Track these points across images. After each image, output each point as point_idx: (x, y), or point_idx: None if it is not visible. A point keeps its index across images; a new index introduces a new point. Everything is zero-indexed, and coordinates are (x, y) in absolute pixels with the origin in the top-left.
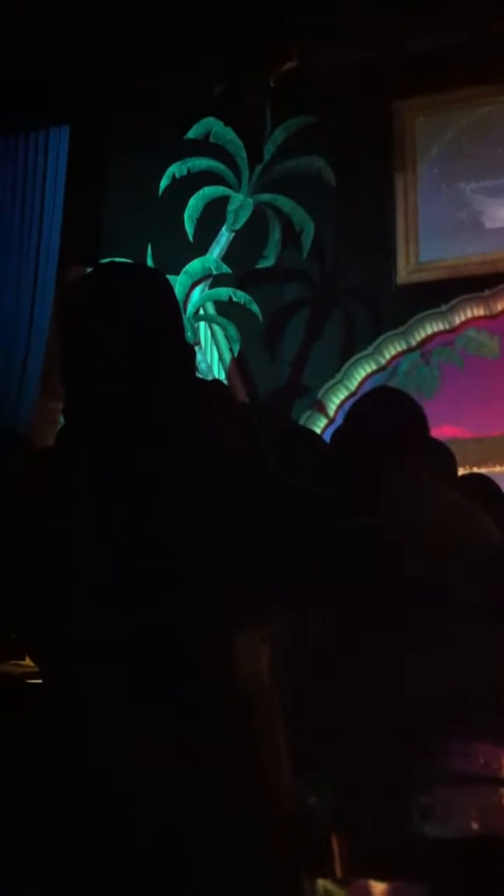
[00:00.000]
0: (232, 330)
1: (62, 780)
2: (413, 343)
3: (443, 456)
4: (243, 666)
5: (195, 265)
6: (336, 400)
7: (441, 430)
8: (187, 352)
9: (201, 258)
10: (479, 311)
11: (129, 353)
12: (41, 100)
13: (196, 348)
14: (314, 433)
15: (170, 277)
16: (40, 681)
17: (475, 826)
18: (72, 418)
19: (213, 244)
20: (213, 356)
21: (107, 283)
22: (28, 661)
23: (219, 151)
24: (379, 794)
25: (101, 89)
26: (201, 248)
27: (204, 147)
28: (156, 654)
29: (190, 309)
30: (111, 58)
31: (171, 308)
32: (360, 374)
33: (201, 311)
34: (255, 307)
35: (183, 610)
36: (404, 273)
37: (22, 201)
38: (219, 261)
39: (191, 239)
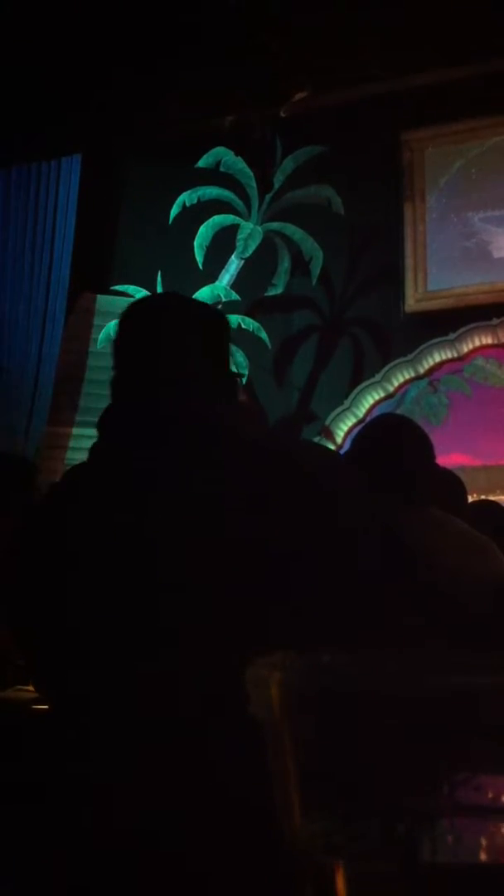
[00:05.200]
0: (240, 357)
1: (66, 801)
2: (421, 371)
3: (451, 483)
4: (253, 692)
5: (204, 292)
6: (344, 427)
7: (449, 458)
8: (233, 380)
9: (211, 285)
10: (487, 340)
11: (177, 374)
12: (53, 130)
13: None
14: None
15: None
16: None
17: (483, 856)
18: (110, 433)
19: (223, 272)
20: None
21: (163, 309)
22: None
23: (229, 180)
24: (384, 822)
25: (112, 119)
26: (211, 275)
27: (214, 176)
28: (166, 679)
29: None
30: (122, 88)
31: (222, 340)
32: (369, 401)
33: None
34: (263, 334)
35: (195, 632)
36: (413, 301)
37: (34, 230)
38: (228, 288)
39: (200, 266)
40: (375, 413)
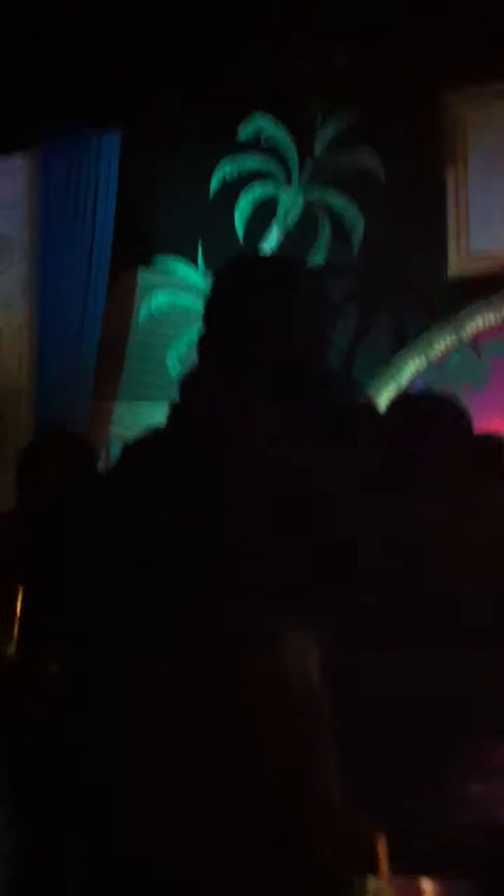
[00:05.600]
0: None
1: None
2: (464, 337)
3: (492, 451)
4: (292, 667)
5: None
6: (386, 394)
7: (490, 424)
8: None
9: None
10: None
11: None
12: (93, 106)
13: None
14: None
15: None
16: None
17: None
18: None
19: (264, 242)
20: None
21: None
22: None
23: (269, 150)
24: (424, 789)
25: (151, 94)
26: (252, 246)
27: (254, 146)
28: (209, 651)
29: None
30: (162, 62)
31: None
32: (411, 368)
33: None
34: None
35: (237, 608)
36: (455, 265)
37: (75, 206)
38: None
39: (240, 238)
40: (418, 380)
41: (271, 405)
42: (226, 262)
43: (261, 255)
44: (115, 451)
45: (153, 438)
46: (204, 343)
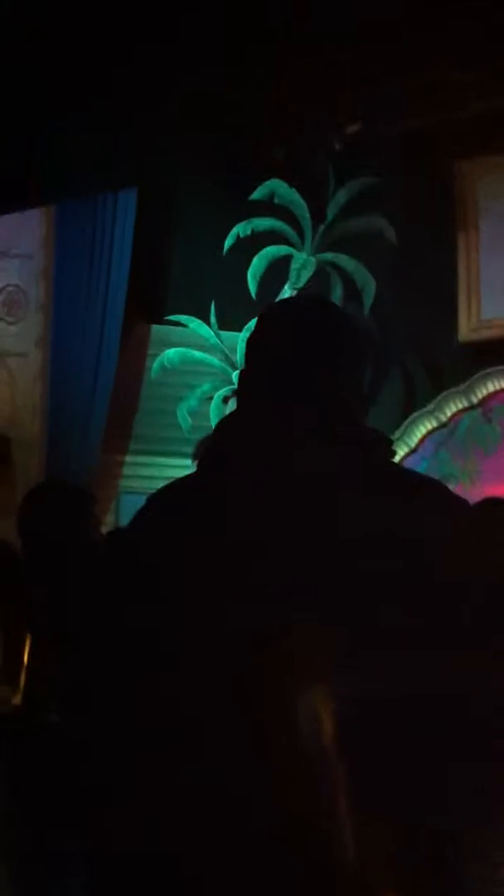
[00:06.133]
0: None
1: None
2: (475, 400)
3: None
4: (304, 722)
5: None
6: (397, 457)
7: (501, 489)
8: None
9: None
10: None
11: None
12: (111, 164)
13: None
14: None
15: (233, 334)
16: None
17: None
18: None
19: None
20: None
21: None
22: None
23: (283, 212)
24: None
25: (168, 153)
26: (264, 305)
27: (268, 207)
28: (228, 704)
29: None
30: (179, 123)
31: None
32: (421, 430)
33: None
34: None
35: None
36: (466, 331)
37: (90, 260)
38: None
39: (254, 296)
40: (428, 443)
41: (308, 453)
42: (269, 306)
43: (302, 299)
44: (125, 503)
45: (184, 488)
46: (245, 389)
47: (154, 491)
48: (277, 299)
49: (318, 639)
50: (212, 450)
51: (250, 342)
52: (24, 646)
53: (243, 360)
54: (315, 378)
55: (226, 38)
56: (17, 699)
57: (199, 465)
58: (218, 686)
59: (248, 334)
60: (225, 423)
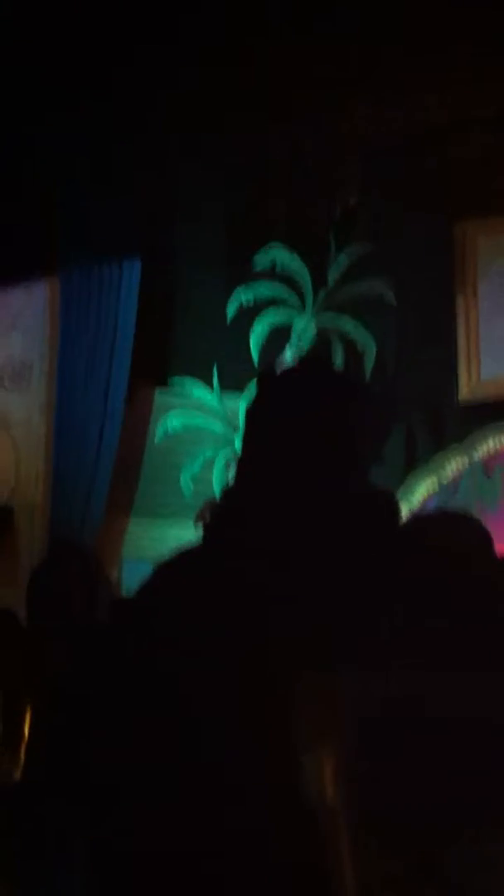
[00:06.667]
0: None
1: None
2: (476, 458)
3: None
4: (308, 778)
5: None
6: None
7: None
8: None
9: None
10: None
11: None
12: (114, 234)
13: None
14: None
15: (235, 397)
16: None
17: None
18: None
19: (278, 365)
20: None
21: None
22: None
23: (284, 278)
24: None
25: (170, 223)
26: (263, 369)
27: (269, 274)
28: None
29: None
30: (182, 193)
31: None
32: (422, 488)
33: None
34: None
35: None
36: (466, 391)
37: (95, 329)
38: None
39: (255, 360)
40: (430, 501)
41: (314, 520)
42: (268, 371)
43: (305, 365)
44: (127, 570)
45: (191, 557)
46: (247, 455)
47: (160, 558)
48: (278, 362)
49: (335, 705)
50: (218, 517)
51: (250, 408)
52: (25, 718)
53: (245, 425)
54: (318, 441)
55: (228, 106)
56: (18, 773)
57: (205, 533)
58: (230, 754)
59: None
60: (229, 490)
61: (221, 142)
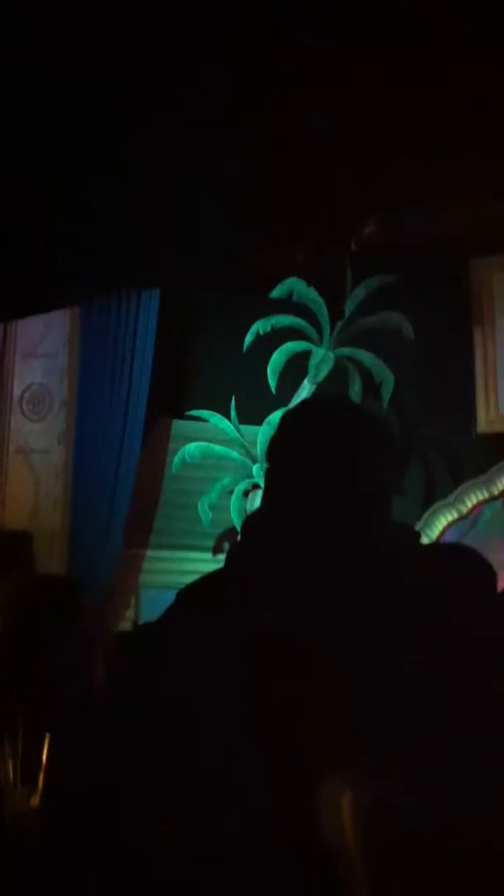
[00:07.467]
0: None
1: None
2: (495, 492)
3: None
4: (325, 812)
5: (277, 417)
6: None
7: None
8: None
9: (284, 410)
10: None
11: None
12: (133, 265)
13: None
14: None
15: (253, 428)
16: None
17: None
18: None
19: (296, 396)
20: None
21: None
22: None
23: (301, 309)
24: None
25: (189, 255)
26: (284, 400)
27: (287, 305)
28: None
29: None
30: (200, 226)
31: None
32: (442, 522)
33: None
34: None
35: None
36: (484, 423)
37: (113, 359)
38: None
39: (273, 391)
40: (449, 534)
41: (338, 550)
42: (292, 409)
43: (324, 400)
44: (146, 598)
45: (213, 584)
46: (271, 489)
47: (181, 587)
48: (297, 395)
49: (358, 743)
50: (241, 549)
51: (274, 443)
52: (42, 745)
53: (265, 458)
54: (340, 476)
55: (246, 138)
56: (35, 799)
57: (228, 563)
58: (251, 782)
59: (268, 428)
60: (252, 521)
61: (244, 183)
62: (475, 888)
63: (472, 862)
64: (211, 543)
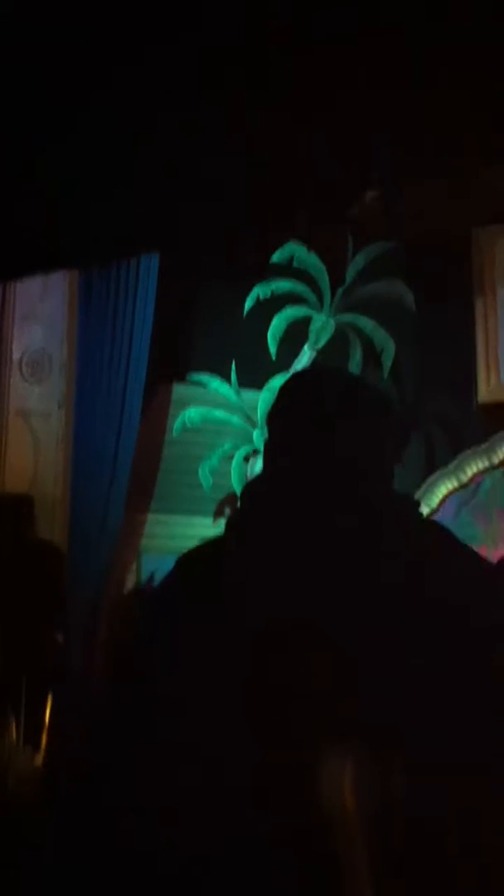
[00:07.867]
0: None
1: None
2: (495, 461)
3: None
4: (326, 787)
5: (277, 382)
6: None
7: None
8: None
9: (284, 375)
10: None
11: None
12: (133, 230)
13: None
14: None
15: (253, 393)
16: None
17: None
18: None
19: (296, 362)
20: None
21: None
22: None
23: (302, 274)
24: None
25: (189, 219)
26: (284, 365)
27: (287, 270)
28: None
29: None
30: (201, 191)
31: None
32: (442, 491)
33: None
34: None
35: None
36: (485, 392)
37: (113, 322)
38: None
39: (274, 357)
40: (450, 503)
41: (337, 519)
42: (292, 377)
43: (327, 370)
44: (146, 562)
45: (212, 551)
46: (271, 458)
47: (181, 552)
48: (297, 361)
49: (358, 717)
50: (240, 517)
51: (273, 412)
52: (45, 707)
53: (265, 427)
54: (339, 444)
55: (248, 103)
56: (38, 760)
57: (227, 531)
58: (251, 756)
59: (268, 394)
60: (251, 489)
61: (243, 144)
62: (476, 867)
63: (473, 842)
64: (212, 508)
